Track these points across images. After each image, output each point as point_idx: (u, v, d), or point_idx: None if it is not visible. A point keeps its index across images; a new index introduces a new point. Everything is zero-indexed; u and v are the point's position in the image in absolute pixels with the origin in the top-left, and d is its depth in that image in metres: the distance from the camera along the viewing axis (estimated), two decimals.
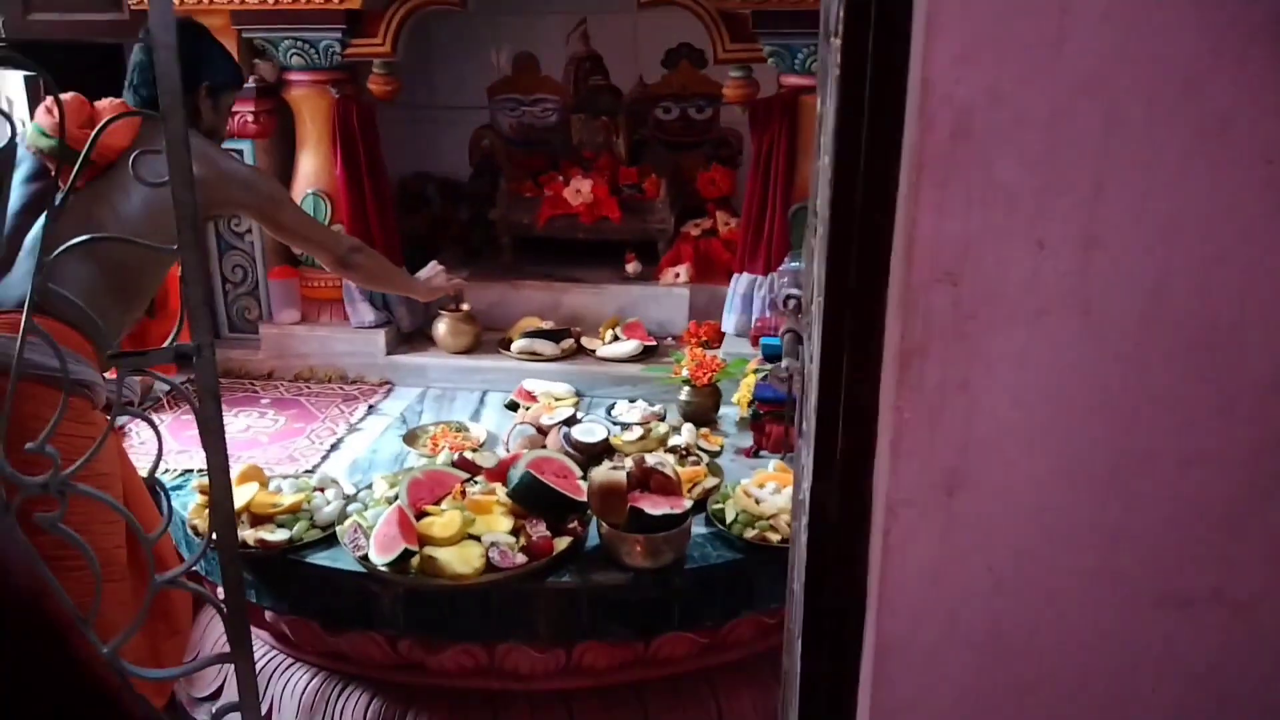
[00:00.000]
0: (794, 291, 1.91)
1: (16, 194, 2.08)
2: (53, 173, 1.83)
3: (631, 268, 3.26)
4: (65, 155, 1.70)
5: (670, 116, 3.53)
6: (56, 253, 1.54)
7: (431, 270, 2.84)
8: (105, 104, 2.16)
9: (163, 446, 1.63)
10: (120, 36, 2.94)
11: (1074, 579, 0.94)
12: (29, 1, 2.92)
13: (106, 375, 1.97)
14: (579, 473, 2.16)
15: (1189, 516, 0.91)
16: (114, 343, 2.05)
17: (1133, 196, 0.85)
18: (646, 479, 2.04)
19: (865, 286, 0.91)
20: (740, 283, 2.99)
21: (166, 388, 2.54)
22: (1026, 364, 0.89)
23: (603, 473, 2.02)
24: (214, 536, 1.66)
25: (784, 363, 1.59)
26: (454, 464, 2.22)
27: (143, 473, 2.03)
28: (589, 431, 2.40)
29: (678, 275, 3.22)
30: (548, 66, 3.53)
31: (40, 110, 2.16)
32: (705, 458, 2.40)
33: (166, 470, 2.35)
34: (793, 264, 2.85)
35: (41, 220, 1.84)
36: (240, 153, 2.93)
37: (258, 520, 2.09)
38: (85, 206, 2.01)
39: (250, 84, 2.89)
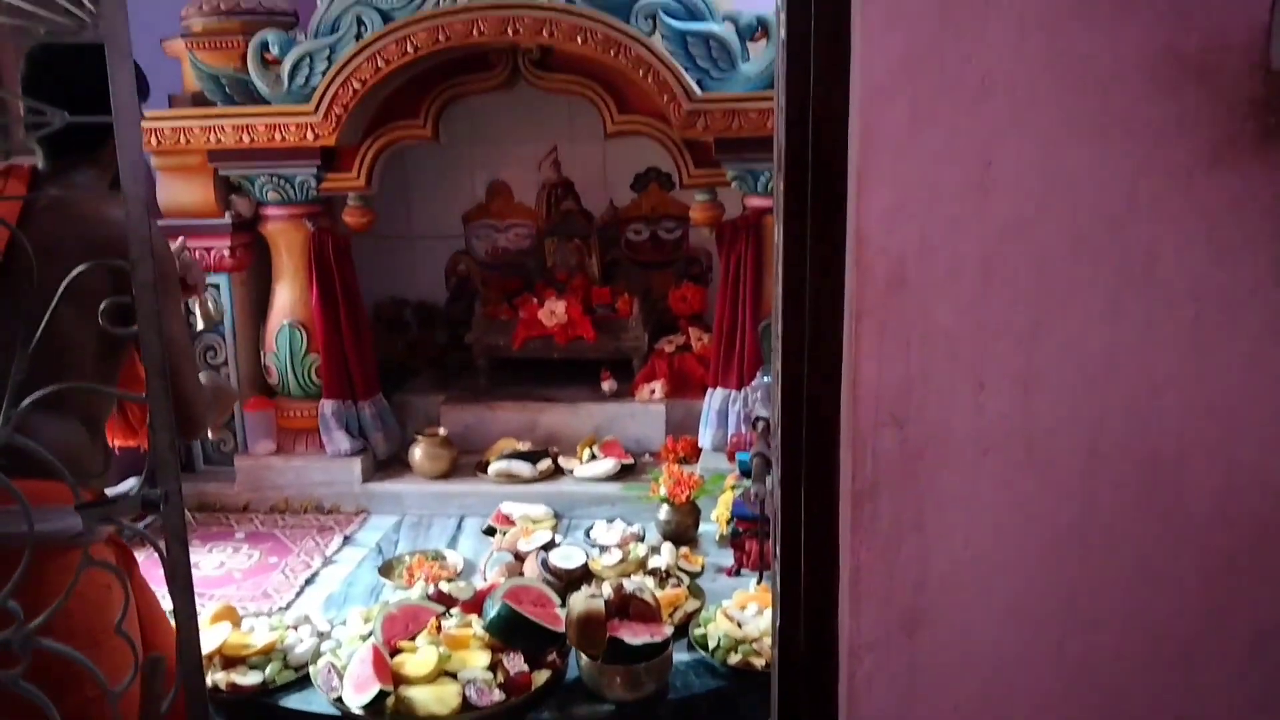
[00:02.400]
0: (762, 413, 1.93)
1: None
2: None
3: (607, 385, 3.29)
4: None
5: (641, 237, 3.61)
6: (25, 404, 1.54)
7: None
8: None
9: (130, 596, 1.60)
10: None
11: (1039, 715, 0.93)
12: (5, 109, 2.99)
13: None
14: (557, 601, 2.13)
15: (1146, 646, 0.91)
16: (99, 465, 1.87)
17: (1067, 336, 0.88)
18: (626, 606, 2.02)
19: (816, 430, 0.93)
20: (715, 398, 3.02)
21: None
22: (976, 502, 0.90)
23: (581, 601, 1.99)
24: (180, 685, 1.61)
25: (753, 488, 1.60)
26: (430, 597, 2.19)
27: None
28: (567, 557, 2.37)
29: (653, 391, 3.24)
30: (520, 193, 3.62)
31: None
32: (686, 579, 2.38)
33: None
34: (765, 378, 2.88)
35: None
36: (217, 287, 2.98)
37: (230, 663, 2.04)
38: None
39: (226, 219, 2.96)
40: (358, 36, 2.76)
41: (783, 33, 0.87)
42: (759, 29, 2.75)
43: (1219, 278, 0.85)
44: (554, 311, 3.29)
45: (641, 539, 2.57)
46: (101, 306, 1.59)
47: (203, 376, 1.79)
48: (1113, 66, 0.82)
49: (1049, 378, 0.88)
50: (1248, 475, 0.88)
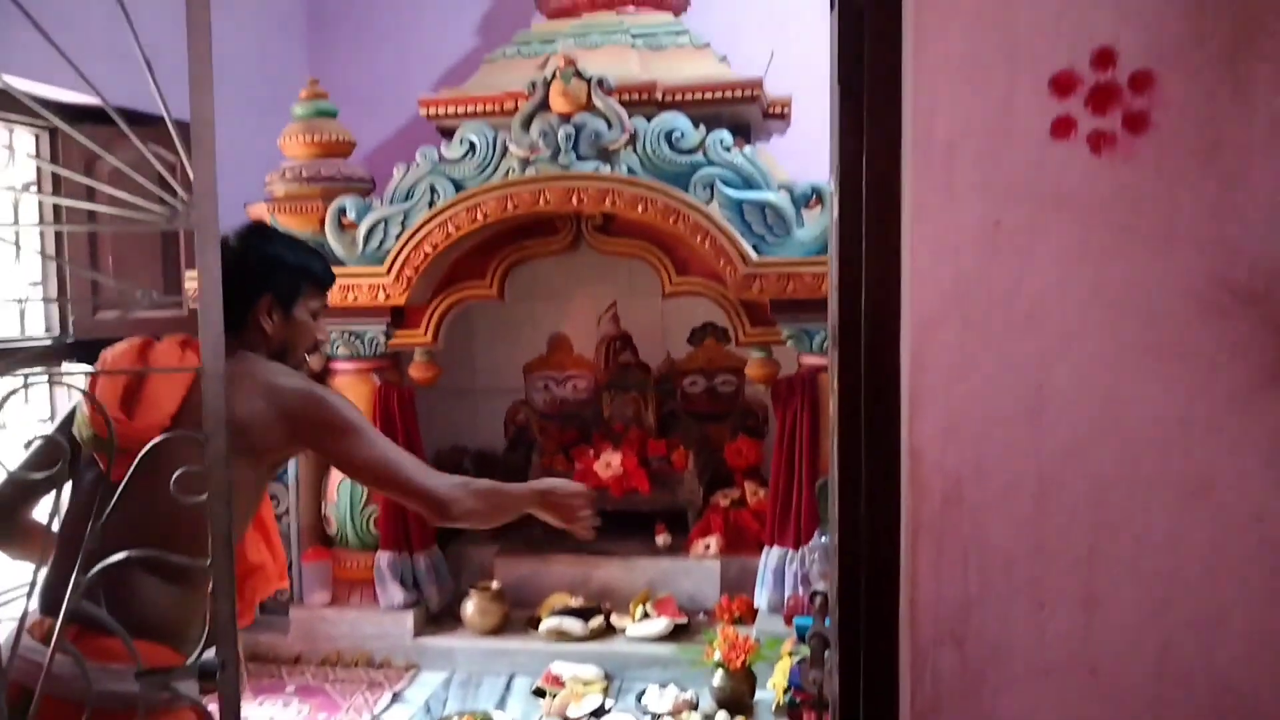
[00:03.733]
0: (819, 587, 1.89)
1: (86, 477, 1.96)
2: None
3: (661, 540, 3.27)
4: (102, 447, 1.58)
5: (697, 389, 3.64)
6: (92, 573, 1.58)
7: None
8: (163, 345, 1.86)
9: None
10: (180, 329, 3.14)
11: None
12: (97, 302, 3.16)
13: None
14: None
15: None
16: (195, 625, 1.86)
17: (1128, 557, 0.87)
18: None
19: (874, 647, 0.92)
20: (771, 557, 2.98)
21: None
22: None
23: None
24: None
25: (811, 674, 1.56)
26: None
27: None
28: None
29: (708, 547, 3.21)
30: (580, 345, 3.70)
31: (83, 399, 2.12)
32: None
33: None
34: (823, 538, 2.85)
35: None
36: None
37: None
38: (133, 494, 1.85)
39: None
40: (430, 204, 2.91)
41: (834, 273, 0.91)
42: (813, 196, 2.84)
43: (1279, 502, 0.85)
44: (610, 463, 3.31)
45: (695, 706, 2.51)
46: (175, 475, 1.64)
47: (458, 478, 1.85)
48: (1160, 295, 0.84)
49: (1111, 600, 0.86)
50: None
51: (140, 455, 1.63)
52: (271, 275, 1.85)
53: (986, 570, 0.87)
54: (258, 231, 1.96)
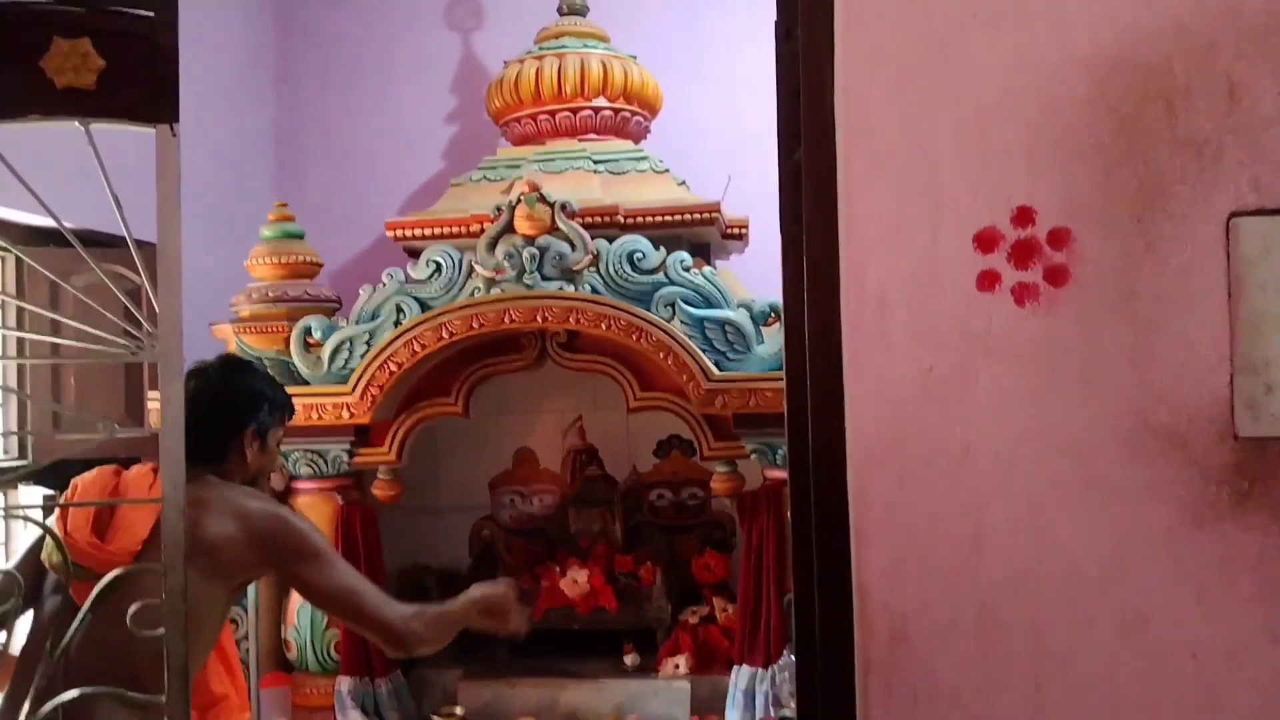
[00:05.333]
0: (786, 713, 1.89)
1: (49, 604, 1.95)
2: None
3: (630, 659, 3.22)
4: (78, 574, 1.60)
5: (664, 502, 3.65)
6: (45, 710, 1.55)
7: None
8: (135, 472, 1.91)
9: None
10: (140, 453, 3.12)
11: None
12: (58, 421, 3.14)
13: None
14: None
15: None
16: None
17: (1069, 691, 0.89)
18: None
19: None
20: (741, 677, 2.94)
21: None
22: None
23: None
24: None
25: None
26: None
27: None
28: None
29: (677, 666, 3.17)
30: (546, 459, 3.70)
31: (54, 520, 2.12)
32: None
33: None
34: (793, 656, 2.82)
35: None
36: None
37: None
38: (101, 621, 1.85)
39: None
40: (396, 323, 2.95)
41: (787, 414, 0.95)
42: (772, 314, 2.91)
43: (1213, 635, 0.87)
44: (576, 580, 3.28)
45: None
46: (130, 611, 1.62)
47: (411, 607, 1.92)
48: (1088, 437, 0.88)
49: None
50: None
51: (100, 585, 1.66)
52: (256, 408, 1.95)
53: (935, 706, 0.89)
54: (239, 365, 2.10)
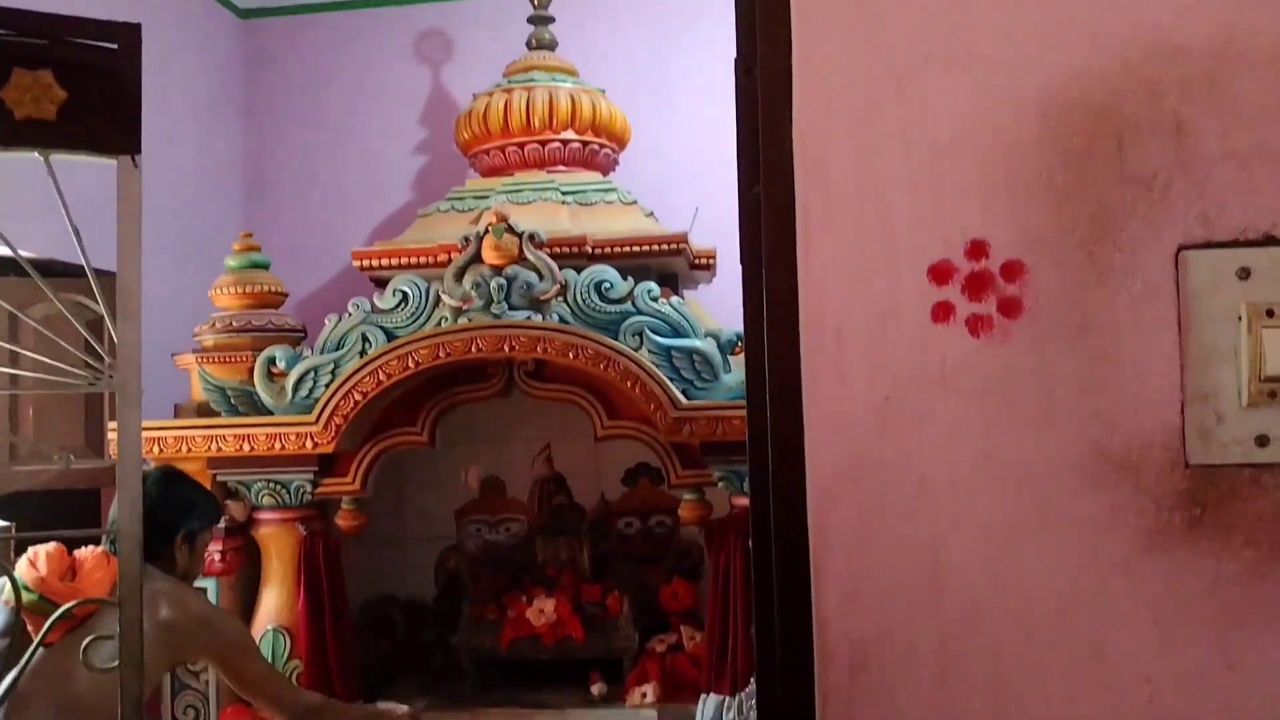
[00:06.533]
0: None
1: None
2: (27, 626, 1.86)
3: (596, 689, 3.20)
4: (45, 609, 1.73)
5: (632, 530, 3.64)
6: None
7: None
8: (85, 554, 2.13)
9: None
10: (99, 483, 3.07)
11: None
12: (14, 453, 3.08)
13: None
14: None
15: None
16: None
17: None
18: None
19: None
20: (709, 706, 2.93)
21: None
22: None
23: None
24: None
25: None
26: None
27: None
28: None
29: (645, 695, 3.15)
30: (514, 488, 3.69)
31: (22, 562, 2.17)
32: None
33: None
34: None
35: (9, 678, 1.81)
36: (204, 590, 2.96)
37: None
38: (58, 661, 1.98)
39: (220, 525, 2.99)
40: (362, 353, 2.93)
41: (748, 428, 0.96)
42: (739, 343, 2.93)
43: (1170, 663, 0.88)
44: (543, 610, 3.26)
45: None
46: (84, 644, 1.64)
47: (319, 697, 2.41)
48: (1044, 467, 0.90)
49: None
50: None
51: (56, 615, 1.75)
52: (187, 515, 2.26)
53: None
54: (175, 475, 2.40)
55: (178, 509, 2.24)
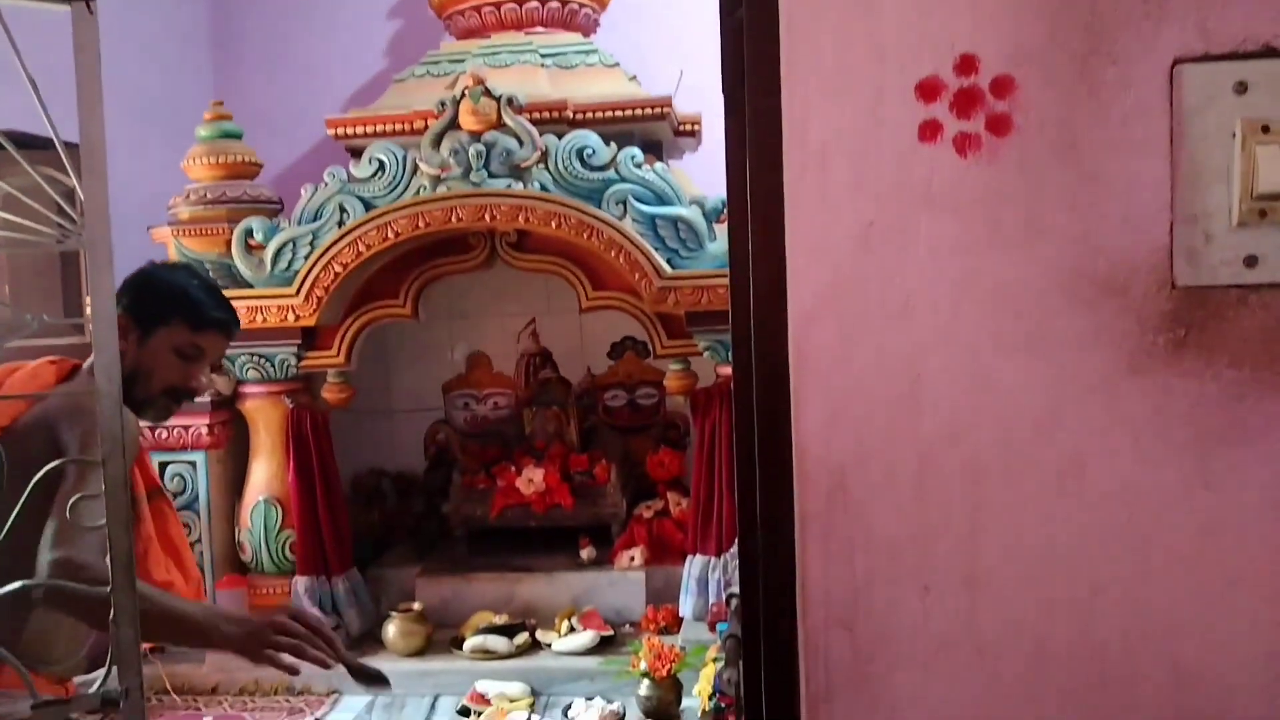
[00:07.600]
0: (734, 590, 1.92)
1: None
2: None
3: (586, 553, 3.27)
4: None
5: (618, 403, 3.66)
6: None
7: None
8: (36, 365, 1.84)
9: None
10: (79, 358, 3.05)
11: None
12: None
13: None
14: None
15: None
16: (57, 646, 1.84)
17: (1006, 536, 0.91)
18: None
19: (773, 638, 0.94)
20: (694, 565, 3.01)
21: None
22: (929, 706, 0.91)
23: None
24: None
25: (726, 673, 1.59)
26: None
27: None
28: None
29: (632, 559, 3.23)
30: (500, 363, 3.69)
31: None
32: None
33: None
34: None
35: None
36: (193, 464, 2.99)
37: None
38: None
39: (205, 398, 2.99)
40: (340, 223, 2.88)
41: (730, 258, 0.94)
42: (724, 211, 2.89)
43: (1147, 482, 0.89)
44: (532, 479, 3.31)
45: (622, 718, 2.51)
46: (35, 477, 1.58)
47: None
48: (1027, 288, 0.88)
49: (992, 580, 0.90)
50: (1193, 672, 0.90)
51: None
52: (137, 293, 1.77)
53: (872, 556, 0.90)
54: (183, 266, 1.98)
55: (130, 286, 1.79)
